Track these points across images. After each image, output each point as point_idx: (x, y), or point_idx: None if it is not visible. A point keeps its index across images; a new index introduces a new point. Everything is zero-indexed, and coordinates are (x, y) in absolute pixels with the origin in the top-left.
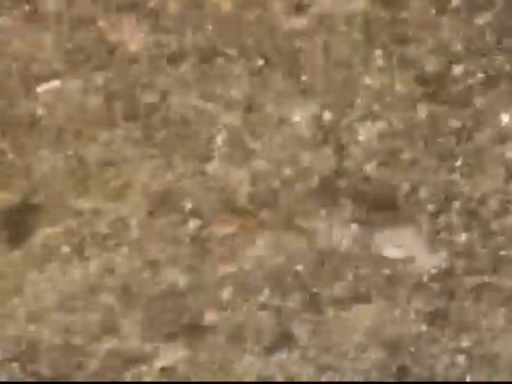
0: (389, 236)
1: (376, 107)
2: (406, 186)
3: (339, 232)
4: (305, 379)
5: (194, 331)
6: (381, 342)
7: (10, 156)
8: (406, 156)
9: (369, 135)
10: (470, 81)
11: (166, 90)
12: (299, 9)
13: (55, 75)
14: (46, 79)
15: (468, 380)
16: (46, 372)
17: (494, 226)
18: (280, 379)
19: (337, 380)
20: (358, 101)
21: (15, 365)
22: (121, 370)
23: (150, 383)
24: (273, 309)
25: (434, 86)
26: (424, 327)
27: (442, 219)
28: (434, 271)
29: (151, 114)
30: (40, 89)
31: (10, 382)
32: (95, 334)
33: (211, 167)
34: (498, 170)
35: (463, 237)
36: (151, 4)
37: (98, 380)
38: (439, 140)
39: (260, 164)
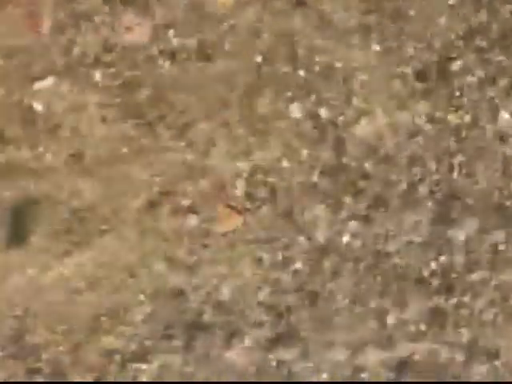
0: None
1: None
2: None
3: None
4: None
5: (193, 329)
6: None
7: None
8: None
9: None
10: (469, 78)
11: (164, 86)
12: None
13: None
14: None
15: None
16: (45, 369)
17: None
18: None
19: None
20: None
21: (15, 362)
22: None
23: (149, 383)
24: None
25: (432, 82)
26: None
27: None
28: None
29: (149, 110)
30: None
31: (10, 382)
32: (94, 331)
33: (210, 162)
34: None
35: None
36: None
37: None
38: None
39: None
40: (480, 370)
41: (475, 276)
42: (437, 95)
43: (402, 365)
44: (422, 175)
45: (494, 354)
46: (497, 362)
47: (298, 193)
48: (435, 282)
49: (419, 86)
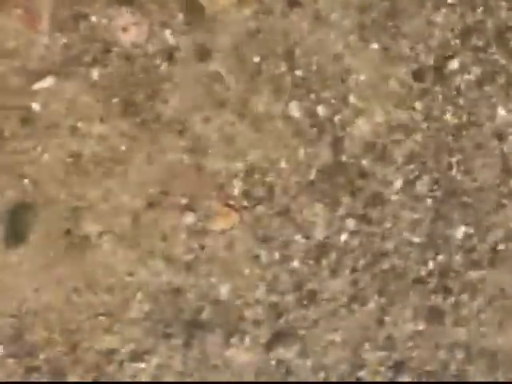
0: None
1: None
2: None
3: None
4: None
5: (192, 327)
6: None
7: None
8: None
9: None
10: (466, 76)
11: (162, 85)
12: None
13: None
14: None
15: None
16: (44, 368)
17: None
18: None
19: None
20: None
21: (13, 361)
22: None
23: (148, 383)
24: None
25: (429, 81)
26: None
27: None
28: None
29: (146, 109)
30: (36, 85)
31: (10, 382)
32: (92, 330)
33: (207, 161)
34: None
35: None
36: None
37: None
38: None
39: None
40: (479, 370)
41: (474, 275)
42: (434, 94)
43: (400, 364)
44: (420, 173)
45: (492, 353)
46: (496, 361)
47: (295, 191)
48: (433, 281)
49: (416, 84)
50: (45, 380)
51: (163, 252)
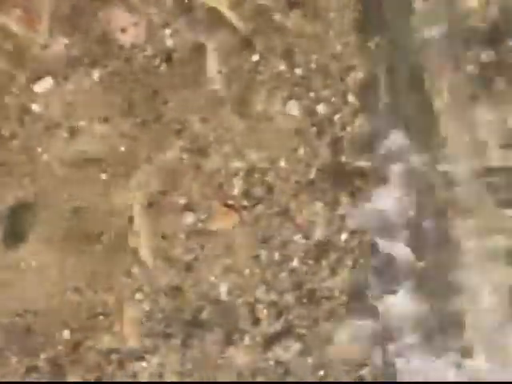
0: None
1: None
2: None
3: None
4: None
5: (192, 327)
6: None
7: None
8: None
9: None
10: None
11: (161, 85)
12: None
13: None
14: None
15: None
16: (45, 368)
17: None
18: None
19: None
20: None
21: (14, 360)
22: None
23: (148, 383)
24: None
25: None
26: None
27: None
28: None
29: (146, 109)
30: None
31: (10, 382)
32: (93, 330)
33: (207, 160)
34: None
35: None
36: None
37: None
38: None
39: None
40: None
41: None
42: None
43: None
44: None
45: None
46: None
47: (295, 191)
48: None
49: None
50: (45, 380)
51: (163, 252)
